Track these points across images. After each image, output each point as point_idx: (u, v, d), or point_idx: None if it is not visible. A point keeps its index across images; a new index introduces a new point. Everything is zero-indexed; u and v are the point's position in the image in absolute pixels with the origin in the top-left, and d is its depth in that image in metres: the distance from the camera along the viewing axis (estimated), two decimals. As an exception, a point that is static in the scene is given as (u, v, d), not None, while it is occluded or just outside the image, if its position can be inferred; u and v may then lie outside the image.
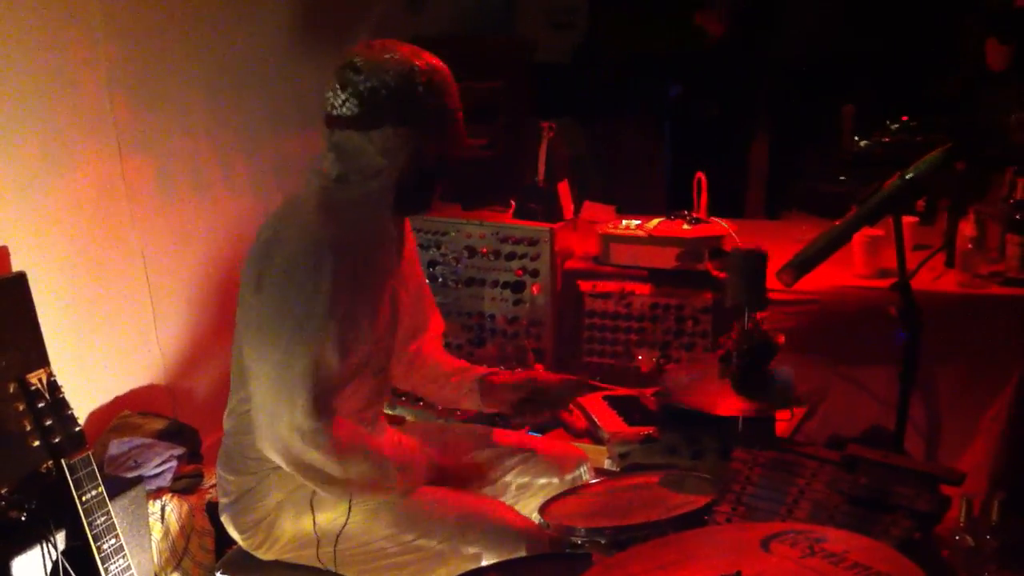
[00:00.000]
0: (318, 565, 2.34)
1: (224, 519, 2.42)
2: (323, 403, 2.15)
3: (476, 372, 2.59)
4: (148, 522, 2.72)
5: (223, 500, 2.41)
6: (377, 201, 2.25)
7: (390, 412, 2.92)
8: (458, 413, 2.97)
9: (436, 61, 2.24)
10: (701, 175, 3.40)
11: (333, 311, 2.15)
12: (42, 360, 2.56)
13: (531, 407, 2.58)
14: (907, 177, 2.31)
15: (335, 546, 2.29)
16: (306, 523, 2.32)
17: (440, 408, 2.99)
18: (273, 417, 2.15)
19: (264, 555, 2.38)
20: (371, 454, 2.24)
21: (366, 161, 2.21)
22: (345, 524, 2.29)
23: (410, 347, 2.58)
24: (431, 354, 2.63)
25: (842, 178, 4.05)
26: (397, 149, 2.20)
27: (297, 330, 2.13)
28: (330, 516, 2.31)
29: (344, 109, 2.19)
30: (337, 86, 2.19)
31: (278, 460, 2.21)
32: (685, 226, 3.29)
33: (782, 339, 2.28)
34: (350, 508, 2.29)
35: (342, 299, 2.16)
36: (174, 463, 2.99)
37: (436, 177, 2.30)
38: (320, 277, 2.14)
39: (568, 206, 3.50)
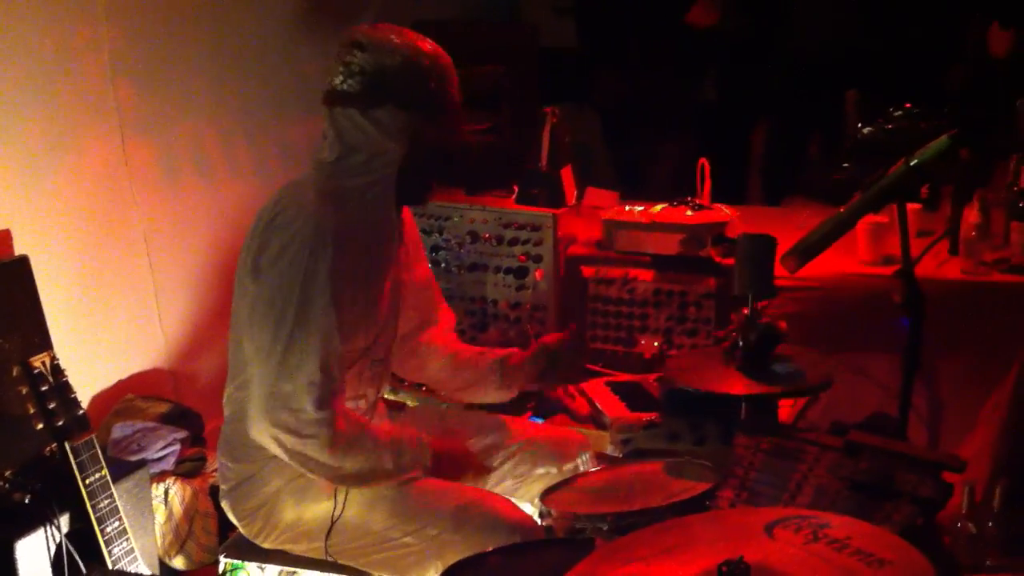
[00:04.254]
0: (315, 555, 2.34)
1: (224, 505, 2.42)
2: (322, 393, 2.14)
3: (493, 356, 2.56)
4: (151, 505, 2.73)
5: (223, 486, 2.41)
6: (379, 189, 2.25)
7: (392, 397, 2.91)
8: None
9: (440, 49, 2.25)
10: (704, 161, 3.39)
11: (332, 298, 2.14)
12: (45, 344, 2.56)
13: (552, 374, 2.57)
14: (911, 164, 2.30)
15: (332, 537, 2.28)
16: (304, 512, 2.31)
17: (443, 395, 2.98)
18: (269, 405, 2.14)
19: (263, 543, 2.38)
20: (367, 444, 2.22)
21: (365, 142, 2.21)
22: (341, 514, 2.28)
23: (422, 338, 2.56)
24: (447, 345, 2.60)
25: (845, 165, 4.03)
26: (397, 131, 2.19)
27: (296, 318, 2.12)
28: (328, 506, 2.29)
29: (345, 86, 2.19)
30: (340, 63, 2.19)
31: (272, 448, 2.19)
32: (688, 212, 3.28)
33: (784, 325, 2.27)
34: (346, 498, 2.28)
35: (341, 286, 2.16)
36: (177, 446, 3.00)
37: (435, 167, 2.30)
38: (319, 264, 2.13)
39: (571, 191, 3.49)
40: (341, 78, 2.19)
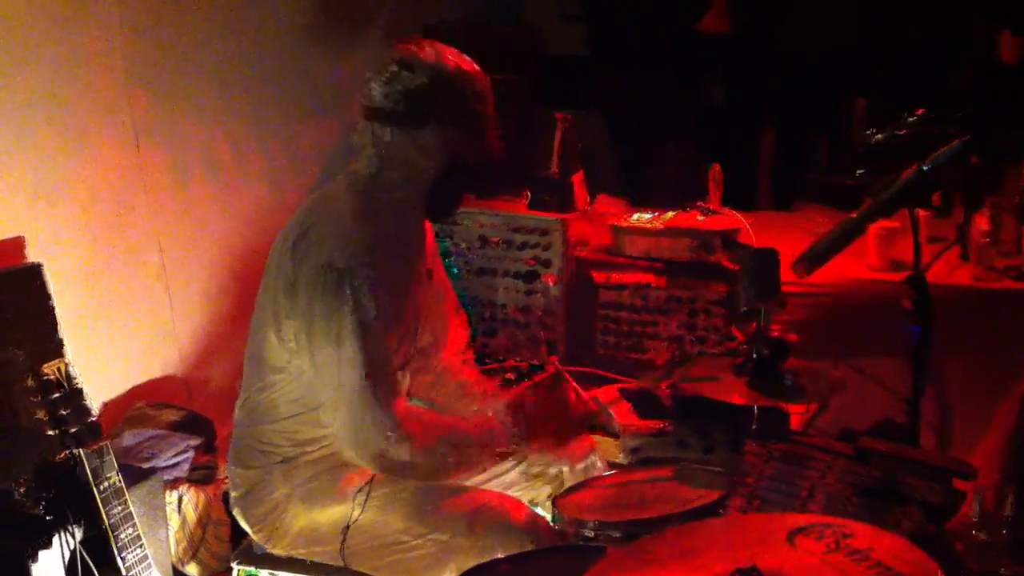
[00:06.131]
0: (328, 561, 2.33)
1: (236, 512, 2.42)
2: (393, 406, 2.17)
3: (500, 399, 2.49)
4: (165, 512, 2.73)
5: (233, 494, 2.41)
6: (411, 203, 2.28)
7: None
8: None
9: (479, 68, 2.27)
10: (716, 166, 3.39)
11: (380, 315, 2.17)
12: (58, 350, 2.57)
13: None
14: (924, 169, 2.30)
15: (346, 540, 2.28)
16: (315, 517, 2.32)
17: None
18: (354, 429, 2.17)
19: (274, 549, 2.38)
20: (452, 433, 2.26)
21: (405, 159, 2.23)
22: (357, 519, 2.28)
23: (434, 359, 2.53)
24: (459, 371, 2.59)
25: (860, 172, 4.03)
26: (436, 150, 2.22)
27: (352, 337, 2.14)
28: (339, 510, 2.30)
29: (389, 104, 2.19)
30: (384, 80, 2.19)
31: (371, 467, 2.24)
32: (699, 218, 3.28)
33: (794, 337, 2.27)
34: (365, 502, 2.29)
35: (384, 301, 2.18)
36: (191, 453, 3.00)
37: (466, 182, 2.33)
38: (364, 283, 2.15)
39: (582, 197, 3.50)
40: (385, 96, 2.20)
